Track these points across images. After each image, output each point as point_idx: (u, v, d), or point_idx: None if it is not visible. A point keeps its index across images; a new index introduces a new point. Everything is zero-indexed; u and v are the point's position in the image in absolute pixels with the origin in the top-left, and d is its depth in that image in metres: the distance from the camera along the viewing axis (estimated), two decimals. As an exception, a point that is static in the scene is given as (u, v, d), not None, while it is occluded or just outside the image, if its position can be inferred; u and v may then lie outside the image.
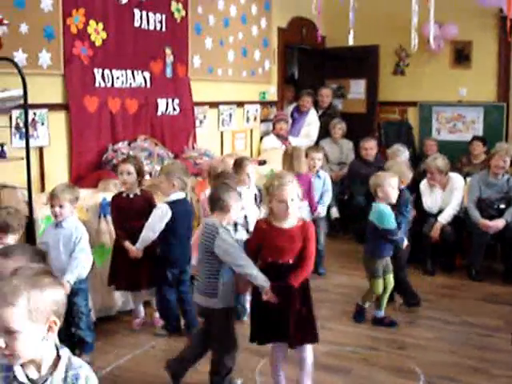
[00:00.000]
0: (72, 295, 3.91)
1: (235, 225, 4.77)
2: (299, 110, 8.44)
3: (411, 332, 4.87)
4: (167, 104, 6.26)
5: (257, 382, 3.99)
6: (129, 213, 4.58)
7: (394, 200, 4.90)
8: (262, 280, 3.43)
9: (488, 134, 8.27)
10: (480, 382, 4.04)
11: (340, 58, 8.94)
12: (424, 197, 6.49)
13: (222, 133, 7.26)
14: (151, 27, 6.01)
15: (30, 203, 4.35)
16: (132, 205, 4.61)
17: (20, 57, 4.78)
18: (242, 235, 4.76)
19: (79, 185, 5.18)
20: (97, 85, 5.45)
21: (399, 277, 5.18)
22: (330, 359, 4.35)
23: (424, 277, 6.19)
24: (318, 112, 8.59)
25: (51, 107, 5.09)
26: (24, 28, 4.81)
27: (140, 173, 4.66)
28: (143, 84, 5.96)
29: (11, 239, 3.74)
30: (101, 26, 5.44)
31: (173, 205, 4.52)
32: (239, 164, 5.22)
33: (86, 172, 5.35)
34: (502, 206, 6.17)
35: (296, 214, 3.50)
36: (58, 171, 5.19)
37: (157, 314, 4.85)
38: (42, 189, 5.06)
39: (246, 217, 4.92)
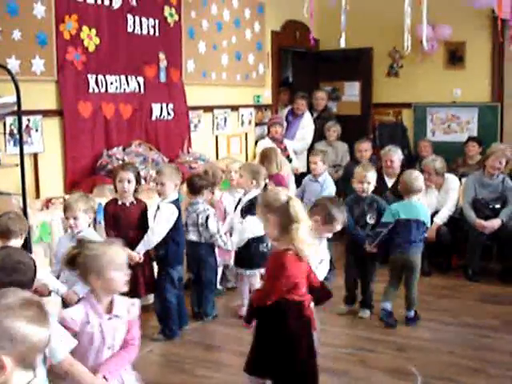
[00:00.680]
0: None
1: None
2: (294, 113, 8.44)
3: (408, 333, 4.87)
4: (161, 109, 6.26)
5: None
6: (125, 222, 4.57)
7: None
8: None
9: (482, 134, 8.27)
10: (478, 382, 4.04)
11: (334, 61, 8.95)
12: (420, 198, 6.48)
13: (216, 137, 7.26)
14: (144, 32, 6.01)
15: (24, 210, 4.34)
16: (128, 214, 4.59)
17: (13, 63, 4.78)
18: None
19: (74, 190, 5.20)
20: (90, 90, 5.45)
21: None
22: (327, 361, 4.33)
23: (420, 278, 6.16)
24: (312, 115, 8.59)
25: (45, 113, 5.09)
26: (17, 34, 4.81)
27: (137, 180, 4.66)
28: (137, 89, 5.96)
29: (14, 243, 3.72)
30: (94, 31, 5.44)
31: (176, 203, 4.63)
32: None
33: (80, 178, 5.34)
34: (498, 206, 6.18)
35: None
36: (52, 177, 5.18)
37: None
38: (37, 195, 5.05)
39: None
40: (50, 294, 3.66)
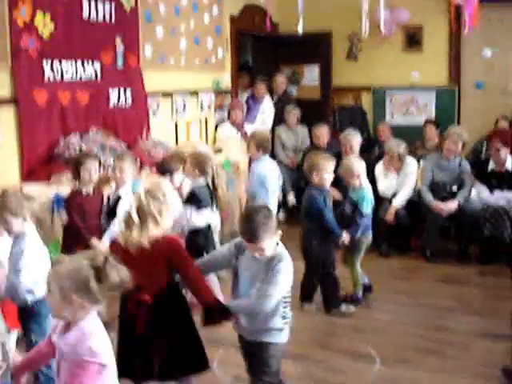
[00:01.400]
0: None
1: None
2: (254, 98, 8.43)
3: (367, 315, 4.95)
4: (119, 95, 6.19)
5: (216, 372, 4.01)
6: (90, 211, 4.54)
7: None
8: None
9: (440, 117, 8.37)
10: (435, 362, 4.13)
11: (293, 45, 8.93)
12: (379, 181, 6.56)
13: (176, 122, 7.21)
14: (100, 17, 5.92)
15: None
16: (92, 203, 4.57)
17: (-35, 51, 4.68)
18: None
19: (31, 180, 5.14)
20: (46, 77, 5.35)
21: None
22: (288, 345, 4.37)
23: (379, 259, 6.28)
24: (272, 99, 8.60)
25: (-1, 101, 5.01)
26: (-31, 21, 4.72)
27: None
28: (94, 75, 5.88)
29: None
30: (48, 17, 5.33)
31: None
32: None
33: (37, 166, 5.26)
34: (455, 188, 6.28)
35: None
36: (8, 166, 5.09)
37: None
38: (-7, 185, 4.97)
39: None
40: None
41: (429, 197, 6.25)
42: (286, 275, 3.10)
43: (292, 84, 9.29)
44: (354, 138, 6.75)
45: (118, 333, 3.23)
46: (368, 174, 6.56)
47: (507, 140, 6.13)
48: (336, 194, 6.01)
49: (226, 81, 8.26)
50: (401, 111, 8.99)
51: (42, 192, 4.85)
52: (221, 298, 3.41)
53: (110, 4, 6.02)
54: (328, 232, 4.88)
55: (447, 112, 8.60)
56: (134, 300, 3.14)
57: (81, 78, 5.72)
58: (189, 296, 3.41)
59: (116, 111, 6.16)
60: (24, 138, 5.19)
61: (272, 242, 3.04)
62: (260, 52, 9.58)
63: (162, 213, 3.12)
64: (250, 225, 3.01)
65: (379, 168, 6.60)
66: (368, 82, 9.07)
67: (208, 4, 7.66)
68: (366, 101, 9.21)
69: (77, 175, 4.57)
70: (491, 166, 6.21)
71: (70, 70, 5.59)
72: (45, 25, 5.31)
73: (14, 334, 3.65)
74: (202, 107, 7.71)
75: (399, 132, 8.06)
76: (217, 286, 4.71)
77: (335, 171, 5.04)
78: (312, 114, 8.45)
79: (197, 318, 3.26)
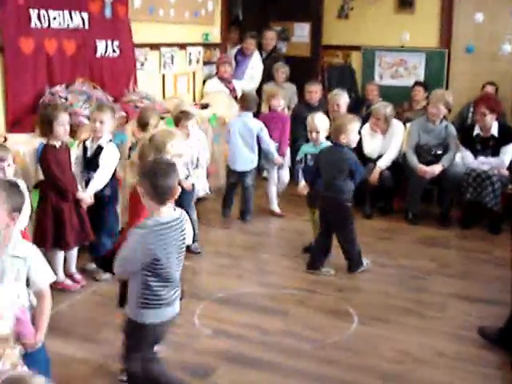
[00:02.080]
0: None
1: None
2: (243, 53, 8.36)
3: (347, 275, 5.00)
4: (106, 46, 6.11)
5: (196, 325, 4.07)
6: (64, 164, 4.51)
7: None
8: None
9: (429, 80, 8.36)
10: (411, 322, 4.21)
11: (285, 1, 8.83)
12: (365, 142, 6.57)
13: (163, 75, 7.14)
14: (89, -34, 5.82)
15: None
16: (64, 156, 4.53)
17: (-51, -4, 4.59)
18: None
19: (16, 129, 5.10)
20: (32, 25, 5.26)
21: None
22: (268, 301, 4.46)
23: (362, 220, 6.31)
24: (261, 55, 8.53)
25: (-16, 49, 4.93)
26: (-47, -35, 4.61)
27: None
28: (81, 25, 5.78)
29: None
30: (36, -36, 5.24)
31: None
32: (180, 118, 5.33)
33: (22, 116, 5.20)
34: (439, 152, 6.31)
35: None
36: (-7, 115, 5.06)
37: None
38: (-23, 133, 4.93)
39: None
40: None
41: (413, 159, 6.28)
42: None
43: (282, 41, 9.21)
44: (342, 98, 6.75)
45: None
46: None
47: (493, 105, 6.14)
48: None
49: (215, 35, 8.17)
50: (390, 72, 8.96)
51: (27, 141, 4.83)
52: None
53: (100, -48, 5.91)
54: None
55: (436, 75, 8.59)
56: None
57: (68, 27, 5.64)
58: None
59: (103, 62, 6.08)
60: (9, 88, 5.12)
61: None
62: (250, 7, 9.45)
63: None
64: None
65: (365, 129, 6.60)
66: (358, 42, 9.00)
67: (199, -45, 7.54)
68: (356, 60, 9.16)
69: (50, 130, 4.47)
70: (476, 131, 6.23)
71: (57, 18, 5.49)
72: (33, -28, 5.21)
73: None
74: (190, 61, 7.64)
75: (387, 93, 8.07)
76: None
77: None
78: (301, 71, 8.39)
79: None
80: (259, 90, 8.15)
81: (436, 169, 6.18)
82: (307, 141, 5.64)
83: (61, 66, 5.57)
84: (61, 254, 4.58)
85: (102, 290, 4.60)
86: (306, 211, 5.54)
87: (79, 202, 4.54)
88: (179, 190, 2.94)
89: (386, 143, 6.53)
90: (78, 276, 4.71)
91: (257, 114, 6.61)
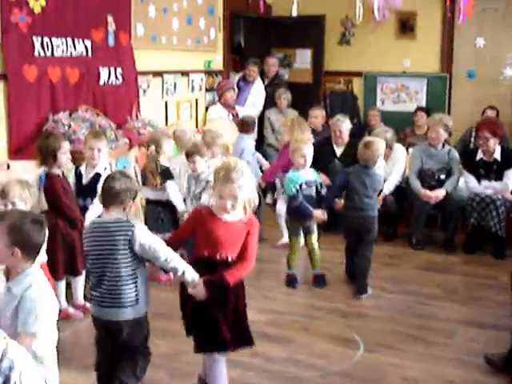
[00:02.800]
0: None
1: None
2: (245, 80, 8.41)
3: (352, 301, 4.96)
4: (109, 73, 6.15)
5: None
6: (68, 192, 4.50)
7: (303, 167, 5.14)
8: (191, 274, 3.13)
9: (431, 104, 8.39)
10: (417, 349, 4.16)
11: (286, 27, 8.89)
12: (367, 167, 6.56)
13: (166, 102, 7.18)
14: (92, -6, 5.87)
15: (-34, 176, 4.25)
16: (67, 183, 4.53)
17: (-46, 25, 4.62)
18: None
19: (19, 157, 5.10)
20: (36, 53, 5.30)
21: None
22: (272, 328, 4.41)
23: (366, 246, 6.30)
24: (264, 81, 8.58)
25: (-12, 77, 4.96)
26: (-42, -5, 4.65)
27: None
28: (84, 53, 5.83)
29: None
30: (40, -8, 5.28)
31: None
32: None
33: (25, 143, 5.22)
34: (443, 177, 6.30)
35: (241, 208, 3.19)
36: (-4, 143, 5.07)
37: None
38: (-20, 161, 4.94)
39: None
40: None
41: (417, 184, 6.27)
42: None
43: (284, 67, 9.26)
44: (343, 124, 6.76)
45: None
46: (357, 160, 6.61)
47: (496, 129, 6.14)
48: (325, 178, 6.08)
49: (217, 62, 8.23)
50: (392, 97, 8.99)
51: (30, 169, 4.83)
52: None
53: (103, -19, 5.97)
54: None
55: (438, 100, 8.62)
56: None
57: (71, 55, 5.68)
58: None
59: (106, 89, 6.13)
60: (13, 115, 5.15)
61: None
62: (252, 34, 9.53)
63: None
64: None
65: (368, 154, 6.60)
66: (360, 68, 9.06)
67: (202, -17, 7.61)
68: (357, 86, 9.21)
69: (53, 159, 4.45)
70: (479, 155, 6.22)
71: (60, 46, 5.54)
72: (36, 0, 5.25)
73: None
74: (192, 88, 7.68)
75: (390, 118, 8.09)
76: None
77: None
78: (303, 97, 8.44)
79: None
80: (261, 116, 8.19)
81: (440, 194, 6.16)
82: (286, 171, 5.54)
83: (64, 94, 5.60)
84: (63, 283, 4.55)
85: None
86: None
87: (80, 230, 4.50)
88: None
89: (388, 168, 6.52)
90: (88, 305, 4.64)
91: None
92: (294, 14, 5.42)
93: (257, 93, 8.39)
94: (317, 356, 4.04)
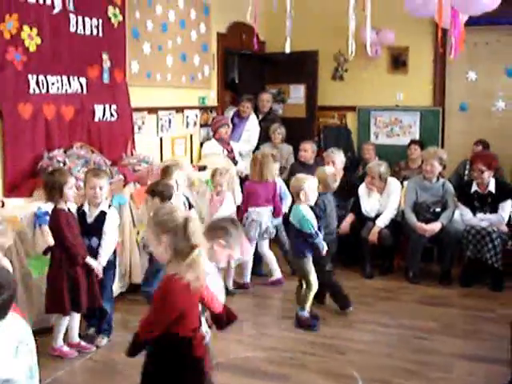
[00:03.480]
0: None
1: None
2: (239, 115, 8.45)
3: (349, 336, 4.93)
4: (104, 110, 6.17)
5: None
6: (74, 229, 4.49)
7: (312, 202, 5.09)
8: None
9: (424, 138, 8.43)
10: (416, 384, 4.12)
11: (280, 63, 8.94)
12: (362, 201, 6.59)
13: (161, 139, 7.20)
14: (87, 32, 5.91)
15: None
16: (73, 220, 4.52)
17: (-50, 63, 4.64)
18: None
19: (14, 194, 5.09)
20: (31, 91, 5.32)
21: (326, 280, 5.27)
22: (269, 366, 4.37)
23: (363, 280, 6.29)
24: (258, 117, 8.62)
25: (-17, 114, 4.97)
26: (-46, 34, 4.68)
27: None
28: (79, 90, 5.85)
29: None
30: (35, 31, 5.31)
31: None
32: (166, 171, 5.36)
33: (20, 180, 5.21)
34: (438, 210, 6.30)
35: None
36: (-9, 180, 5.06)
37: None
38: (-25, 198, 4.92)
39: None
40: None
41: (412, 218, 6.27)
42: None
43: (277, 102, 9.32)
44: (337, 156, 6.82)
45: None
46: (352, 194, 6.65)
47: (491, 162, 6.17)
48: None
49: (211, 98, 8.27)
50: (385, 131, 9.04)
51: (25, 206, 4.82)
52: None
53: (98, 19, 6.02)
54: None
55: (431, 133, 8.67)
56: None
57: (66, 92, 5.70)
58: None
59: (101, 126, 6.14)
60: (7, 152, 5.14)
61: None
62: (246, 70, 9.60)
63: None
64: None
65: (362, 188, 6.63)
66: (353, 102, 9.12)
67: (195, 21, 7.69)
68: (351, 120, 9.27)
69: (60, 194, 4.45)
70: (474, 187, 6.24)
71: (55, 83, 5.57)
72: (31, 38, 5.29)
73: None
74: (187, 124, 7.71)
75: (384, 152, 8.14)
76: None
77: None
78: (297, 132, 8.47)
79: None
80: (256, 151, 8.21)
81: (435, 227, 6.16)
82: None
83: (59, 131, 5.61)
84: (66, 319, 4.52)
85: (99, 355, 4.51)
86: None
87: (88, 267, 4.49)
88: None
89: (383, 202, 6.54)
90: (83, 343, 4.63)
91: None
92: (287, 50, 5.45)
93: (251, 128, 8.43)
94: (314, 393, 3.99)
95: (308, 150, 7.45)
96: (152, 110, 6.98)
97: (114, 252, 4.81)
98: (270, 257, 6.20)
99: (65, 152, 5.51)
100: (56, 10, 5.51)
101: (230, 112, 8.56)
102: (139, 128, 6.75)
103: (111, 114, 6.27)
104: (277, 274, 6.19)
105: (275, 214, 6.14)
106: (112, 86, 6.28)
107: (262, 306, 5.73)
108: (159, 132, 7.15)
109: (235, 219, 3.86)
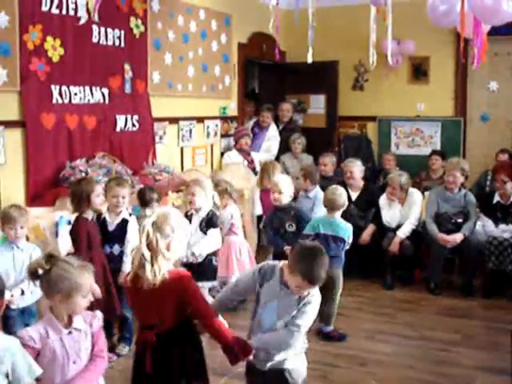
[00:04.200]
0: None
1: None
2: (259, 125, 8.47)
3: (370, 347, 4.90)
4: (126, 120, 6.22)
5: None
6: (96, 238, 4.52)
7: None
8: None
9: (446, 148, 8.39)
10: (438, 397, 4.09)
11: (300, 73, 8.96)
12: (383, 211, 6.56)
13: (182, 148, 7.23)
14: (110, 43, 5.97)
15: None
16: (96, 229, 4.56)
17: (-25, 74, 4.71)
18: None
19: (36, 203, 5.13)
20: (54, 101, 5.38)
21: None
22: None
23: (383, 291, 6.25)
24: (278, 127, 8.63)
25: (7, 124, 5.00)
26: (-21, 44, 4.75)
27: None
28: (101, 100, 5.91)
29: None
30: (58, 42, 5.37)
31: None
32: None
33: (43, 190, 5.26)
34: (460, 221, 6.26)
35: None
36: (14, 189, 5.09)
37: None
38: (-2, 207, 4.96)
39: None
40: None
41: (434, 228, 6.23)
42: (316, 310, 3.12)
43: (298, 112, 9.32)
44: (355, 165, 6.81)
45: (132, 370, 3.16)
46: (373, 204, 6.63)
47: (513, 173, 6.13)
48: None
49: (232, 108, 8.30)
50: (406, 141, 9.01)
51: (47, 215, 4.86)
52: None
53: (120, 30, 6.07)
54: None
55: (452, 143, 8.62)
56: (141, 339, 3.05)
57: (88, 103, 5.75)
58: None
59: (122, 136, 6.18)
60: (30, 162, 5.20)
61: None
62: (267, 80, 9.63)
63: (171, 247, 2.99)
64: (318, 267, 2.98)
65: (383, 199, 6.60)
66: (374, 112, 9.11)
67: (217, 31, 7.73)
68: (372, 130, 9.25)
69: (87, 203, 4.49)
70: (496, 198, 6.20)
71: (78, 94, 5.62)
72: (54, 49, 5.35)
73: None
74: (208, 134, 7.74)
75: (404, 162, 8.11)
76: None
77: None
78: (317, 142, 8.48)
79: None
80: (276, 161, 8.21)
81: (457, 237, 6.12)
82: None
83: (81, 141, 5.66)
84: None
85: (120, 365, 4.52)
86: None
87: (107, 276, 4.51)
88: None
89: (404, 212, 6.50)
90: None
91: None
92: (310, 60, 5.45)
93: (271, 138, 8.44)
94: (335, 404, 3.97)
95: (327, 163, 7.45)
96: (173, 120, 7.01)
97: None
98: None
99: (87, 161, 5.55)
100: (82, 21, 5.58)
101: (251, 122, 8.59)
102: (160, 138, 6.78)
103: (133, 124, 6.31)
104: None
105: None
106: (133, 96, 6.33)
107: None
108: (180, 142, 7.18)
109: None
